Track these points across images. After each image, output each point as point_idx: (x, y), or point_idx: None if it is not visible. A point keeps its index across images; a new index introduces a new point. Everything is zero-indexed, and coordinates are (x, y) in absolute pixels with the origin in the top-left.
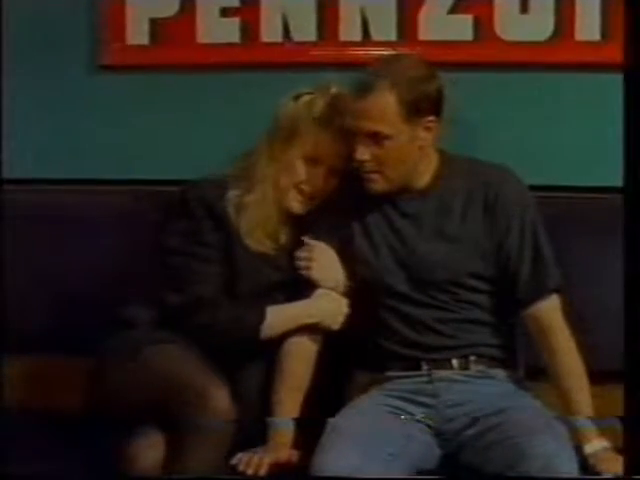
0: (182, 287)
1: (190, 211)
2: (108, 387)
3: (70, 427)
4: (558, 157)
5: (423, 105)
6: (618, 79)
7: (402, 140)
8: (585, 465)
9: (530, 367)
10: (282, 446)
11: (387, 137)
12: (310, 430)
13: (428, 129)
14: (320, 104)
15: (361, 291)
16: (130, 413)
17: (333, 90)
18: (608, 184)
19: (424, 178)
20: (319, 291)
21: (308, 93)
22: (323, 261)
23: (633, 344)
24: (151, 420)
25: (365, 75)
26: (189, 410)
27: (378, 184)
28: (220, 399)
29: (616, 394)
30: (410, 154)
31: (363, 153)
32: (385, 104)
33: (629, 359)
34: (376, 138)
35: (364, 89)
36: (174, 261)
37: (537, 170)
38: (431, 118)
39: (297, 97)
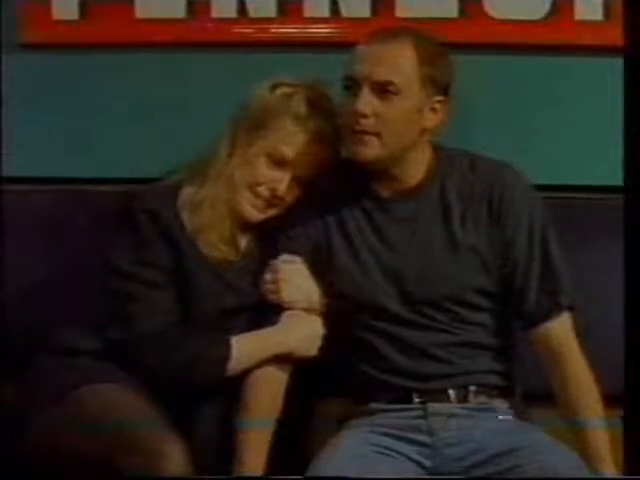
0: (127, 319)
1: (136, 226)
2: (29, 432)
3: None
4: (552, 152)
5: (438, 78)
6: (621, 63)
7: (410, 103)
8: None
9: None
10: None
11: (398, 91)
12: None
13: (434, 110)
14: (301, 99)
15: (341, 309)
16: (57, 467)
17: (319, 88)
18: (608, 183)
19: (418, 174)
20: (290, 313)
21: (289, 84)
22: (292, 279)
23: (634, 344)
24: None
25: (384, 30)
26: (135, 470)
27: (371, 148)
28: (174, 457)
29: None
30: (413, 127)
31: (366, 106)
32: (405, 54)
33: (629, 361)
34: (385, 90)
35: (384, 37)
36: (118, 286)
37: (529, 167)
38: (440, 98)
39: (275, 86)
